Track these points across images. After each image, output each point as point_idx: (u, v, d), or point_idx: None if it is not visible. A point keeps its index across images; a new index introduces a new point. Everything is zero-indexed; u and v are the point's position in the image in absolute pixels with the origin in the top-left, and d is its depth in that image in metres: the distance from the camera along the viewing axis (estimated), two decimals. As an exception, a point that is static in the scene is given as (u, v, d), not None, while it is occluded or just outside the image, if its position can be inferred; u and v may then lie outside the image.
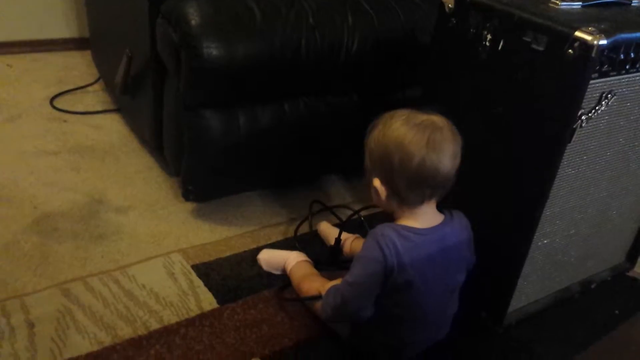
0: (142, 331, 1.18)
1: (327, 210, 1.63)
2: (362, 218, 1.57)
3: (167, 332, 1.18)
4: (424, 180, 1.03)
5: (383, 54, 1.52)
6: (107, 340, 1.15)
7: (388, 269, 1.02)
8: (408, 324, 1.12)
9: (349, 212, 1.54)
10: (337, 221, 1.59)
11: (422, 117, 1.03)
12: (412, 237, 1.04)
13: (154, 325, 1.20)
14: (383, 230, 1.04)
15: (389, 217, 1.12)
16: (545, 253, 1.26)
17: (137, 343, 1.15)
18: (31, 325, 1.16)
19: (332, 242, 1.44)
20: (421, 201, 1.06)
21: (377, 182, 1.06)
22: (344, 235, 1.44)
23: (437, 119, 1.03)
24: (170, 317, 1.22)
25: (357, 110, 1.57)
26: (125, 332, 1.17)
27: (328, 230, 1.50)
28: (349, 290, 1.07)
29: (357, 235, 1.45)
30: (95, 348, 1.13)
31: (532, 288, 1.30)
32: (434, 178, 1.02)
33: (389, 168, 1.02)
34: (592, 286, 1.46)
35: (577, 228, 1.29)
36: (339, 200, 1.70)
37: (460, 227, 1.12)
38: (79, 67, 2.39)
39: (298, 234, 1.53)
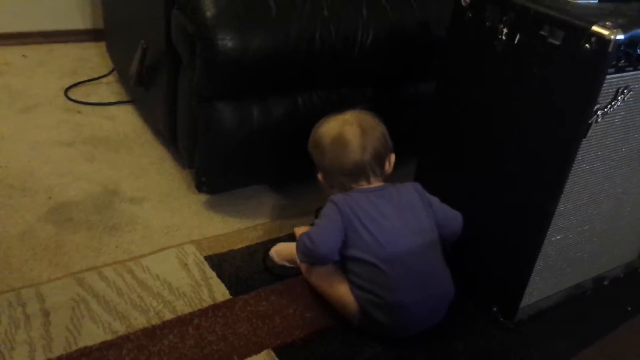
0: (155, 321, 1.19)
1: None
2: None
3: (180, 322, 1.19)
4: (336, 170, 1.27)
5: (397, 48, 1.51)
6: (121, 330, 1.16)
7: (342, 211, 1.21)
8: (394, 276, 1.17)
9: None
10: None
11: (339, 116, 1.29)
12: (354, 192, 1.27)
13: (168, 316, 1.21)
14: (331, 196, 1.26)
15: None
16: (559, 248, 1.25)
17: (150, 333, 1.16)
18: (46, 313, 1.17)
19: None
20: (349, 185, 1.28)
21: (319, 176, 1.33)
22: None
23: (349, 116, 1.28)
24: (183, 308, 1.23)
25: (370, 104, 1.57)
26: (139, 321, 1.19)
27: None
28: (316, 233, 1.21)
29: None
30: (109, 337, 1.14)
31: (544, 284, 1.30)
32: (341, 168, 1.26)
33: (318, 163, 1.31)
34: (605, 283, 1.45)
35: (590, 224, 1.28)
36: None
37: (404, 184, 1.29)
38: (93, 58, 2.40)
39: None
